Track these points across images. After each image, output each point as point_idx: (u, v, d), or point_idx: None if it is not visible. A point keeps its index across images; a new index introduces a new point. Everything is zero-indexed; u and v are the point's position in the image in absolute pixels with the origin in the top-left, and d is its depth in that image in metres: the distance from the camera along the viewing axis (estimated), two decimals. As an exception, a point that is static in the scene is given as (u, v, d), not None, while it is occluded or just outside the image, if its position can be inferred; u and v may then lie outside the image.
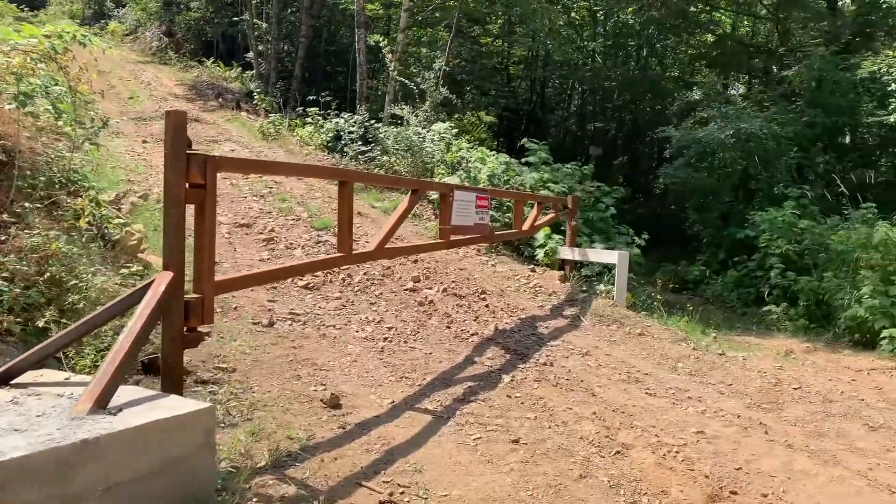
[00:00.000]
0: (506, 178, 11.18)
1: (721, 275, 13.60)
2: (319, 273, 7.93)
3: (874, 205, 12.25)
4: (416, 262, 9.10)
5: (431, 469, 4.05)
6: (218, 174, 3.89)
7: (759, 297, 12.15)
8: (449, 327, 7.04)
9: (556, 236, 10.48)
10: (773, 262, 11.71)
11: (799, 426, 5.52)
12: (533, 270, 9.89)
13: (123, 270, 5.60)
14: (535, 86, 32.77)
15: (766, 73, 21.26)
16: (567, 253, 9.92)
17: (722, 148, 14.03)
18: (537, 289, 9.19)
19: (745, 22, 24.40)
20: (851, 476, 4.48)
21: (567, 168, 12.26)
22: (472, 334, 6.94)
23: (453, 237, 6.98)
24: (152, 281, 3.58)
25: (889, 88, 14.15)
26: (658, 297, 10.29)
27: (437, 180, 12.15)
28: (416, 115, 16.61)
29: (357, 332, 6.55)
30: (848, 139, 20.36)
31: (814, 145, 15.24)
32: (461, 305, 7.78)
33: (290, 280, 7.68)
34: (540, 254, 10.24)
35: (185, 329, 3.70)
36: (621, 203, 20.80)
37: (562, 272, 9.88)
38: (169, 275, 3.55)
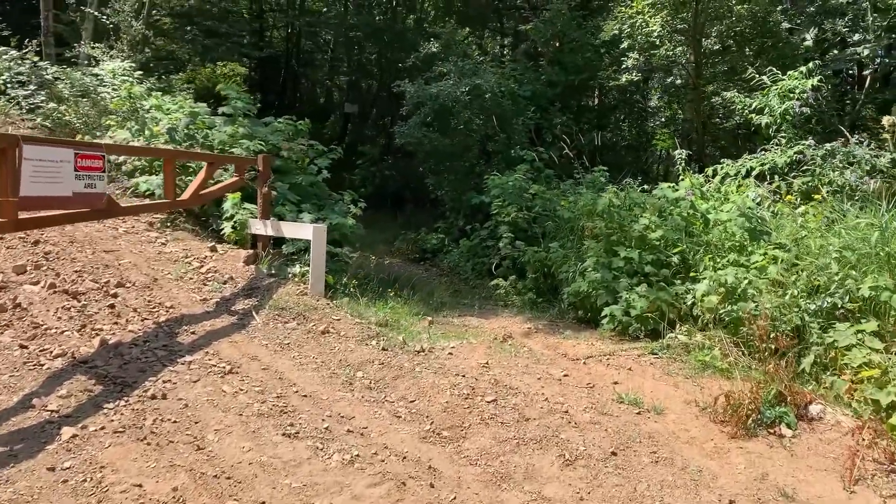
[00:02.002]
0: (189, 132, 8.97)
1: (459, 243, 12.55)
2: None
3: (606, 168, 11.77)
4: (37, 243, 6.71)
5: None
6: None
7: (499, 264, 11.17)
8: (26, 346, 4.86)
9: (252, 206, 8.54)
10: (503, 230, 10.77)
11: (480, 465, 4.17)
12: (213, 250, 7.88)
13: None
14: (292, 36, 30.14)
15: (517, 33, 20.74)
16: (258, 227, 8.03)
17: (458, 105, 12.87)
18: (211, 275, 7.22)
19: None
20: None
21: (279, 122, 10.30)
22: (59, 355, 4.83)
23: (26, 214, 4.76)
24: None
25: (622, 46, 13.84)
26: (355, 281, 8.80)
27: (108, 136, 9.63)
28: (112, 56, 13.68)
29: None
30: (596, 101, 20.54)
31: (552, 105, 14.67)
32: (70, 308, 5.60)
33: None
34: (227, 228, 8.25)
35: None
36: (369, 165, 19.41)
37: (251, 251, 7.99)
38: None
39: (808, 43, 13.59)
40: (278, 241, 8.37)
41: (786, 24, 14.00)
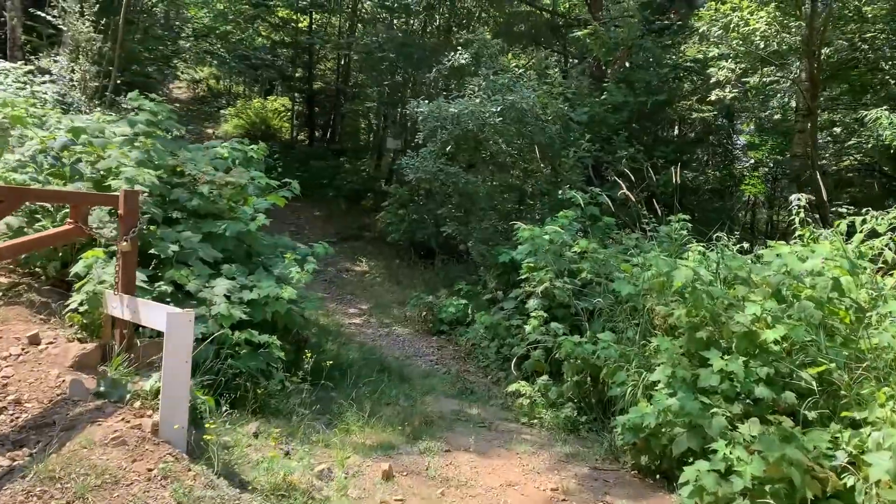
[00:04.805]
0: (65, 156, 6.09)
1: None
2: None
3: (687, 217, 8.26)
4: None
5: None
6: None
7: (526, 355, 7.71)
8: None
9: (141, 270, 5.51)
10: (533, 305, 7.43)
11: None
12: (34, 342, 4.86)
13: None
14: (341, 69, 27.77)
15: (583, 56, 17.54)
16: (115, 305, 4.97)
17: (487, 130, 9.66)
18: (-13, 394, 4.17)
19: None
20: None
21: (222, 147, 7.37)
22: None
23: None
24: None
25: (712, 54, 10.41)
26: (288, 385, 5.65)
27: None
28: (75, 68, 11.26)
29: None
30: (676, 131, 17.21)
31: (616, 134, 11.30)
32: None
33: None
34: (76, 302, 5.23)
35: None
36: (396, 207, 16.32)
37: (95, 345, 4.94)
38: None
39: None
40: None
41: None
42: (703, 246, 7.07)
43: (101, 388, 4.36)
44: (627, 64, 13.69)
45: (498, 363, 8.37)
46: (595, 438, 6.01)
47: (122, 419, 4.10)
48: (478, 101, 9.56)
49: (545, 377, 6.82)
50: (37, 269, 5.91)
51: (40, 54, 11.54)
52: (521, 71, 10.40)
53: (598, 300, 6.88)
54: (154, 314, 4.51)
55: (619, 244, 8.35)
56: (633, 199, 7.33)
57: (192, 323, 4.27)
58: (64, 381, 4.38)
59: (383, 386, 7.18)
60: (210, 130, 24.56)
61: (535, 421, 6.49)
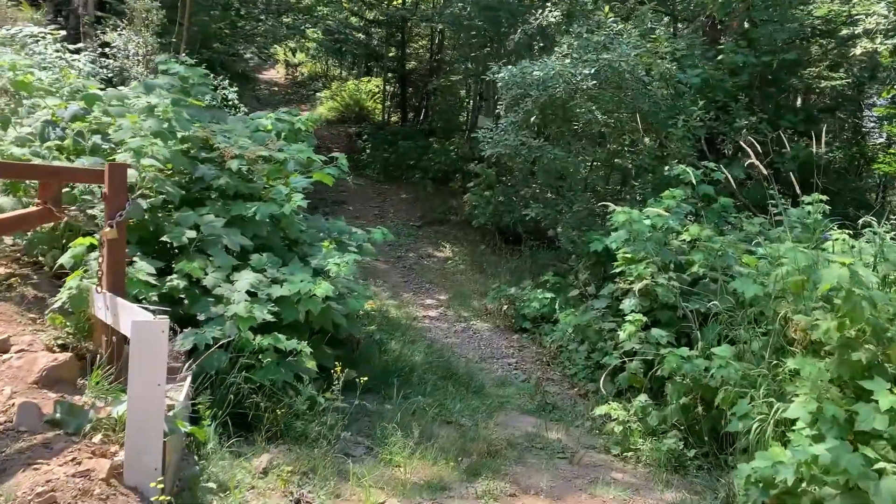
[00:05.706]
0: (73, 128, 5.26)
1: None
2: None
3: (824, 198, 6.55)
4: None
5: None
6: None
7: (620, 367, 6.32)
8: None
9: (145, 261, 4.62)
10: (629, 305, 6.05)
11: None
12: (2, 350, 3.99)
13: None
14: (434, 45, 26.67)
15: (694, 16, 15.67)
16: (100, 306, 4.06)
17: (578, 97, 8.27)
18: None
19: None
20: None
21: (266, 118, 6.41)
22: None
23: None
24: None
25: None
26: (325, 402, 4.60)
27: None
28: (139, 42, 10.72)
29: None
30: (799, 101, 15.16)
31: (735, 101, 9.61)
32: None
33: None
34: (59, 300, 4.36)
35: None
36: (483, 188, 15.06)
37: (69, 356, 4.03)
38: None
39: None
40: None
41: None
42: (848, 233, 5.49)
43: (57, 416, 3.41)
44: (746, 24, 11.89)
45: (587, 372, 7.05)
46: (707, 482, 4.65)
47: (72, 460, 3.14)
48: (567, 62, 8.18)
49: (643, 396, 5.47)
50: (40, 259, 5.12)
51: (107, 28, 11.04)
52: (619, 27, 8.88)
53: (713, 302, 5.43)
54: (129, 314, 3.54)
55: (740, 230, 6.84)
56: (764, 173, 5.77)
57: (166, 333, 3.26)
58: (14, 403, 3.47)
59: (445, 398, 6.06)
60: (306, 113, 24.14)
61: (630, 453, 5.19)
